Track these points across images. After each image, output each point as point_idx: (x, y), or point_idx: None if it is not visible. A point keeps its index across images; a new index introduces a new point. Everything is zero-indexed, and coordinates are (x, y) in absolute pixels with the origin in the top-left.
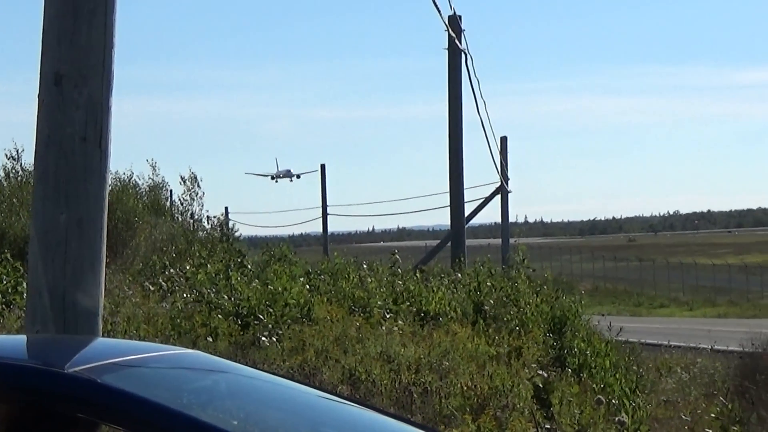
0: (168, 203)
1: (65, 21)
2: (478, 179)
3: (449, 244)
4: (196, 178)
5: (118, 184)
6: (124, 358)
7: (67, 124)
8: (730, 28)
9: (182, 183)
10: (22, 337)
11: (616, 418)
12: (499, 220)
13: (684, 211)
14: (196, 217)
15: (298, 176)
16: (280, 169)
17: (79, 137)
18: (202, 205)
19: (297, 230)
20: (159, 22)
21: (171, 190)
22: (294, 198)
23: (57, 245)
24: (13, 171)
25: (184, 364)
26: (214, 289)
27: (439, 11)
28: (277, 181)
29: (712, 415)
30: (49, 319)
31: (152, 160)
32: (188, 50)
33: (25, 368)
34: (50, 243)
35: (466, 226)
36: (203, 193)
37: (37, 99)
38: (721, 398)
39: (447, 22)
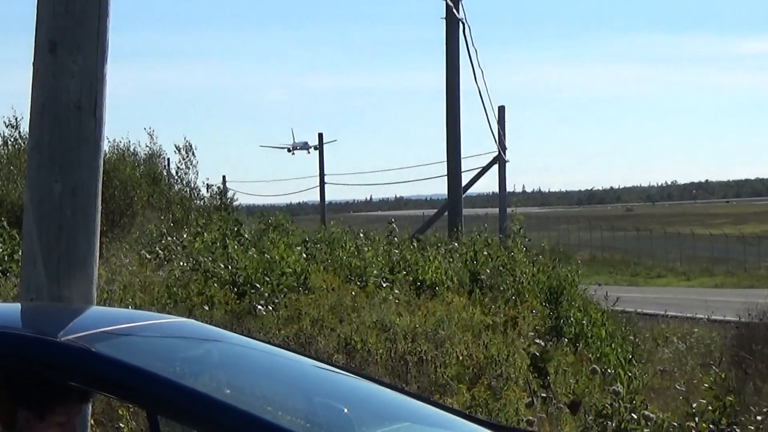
0: (165, 172)
1: None
2: (476, 149)
3: (446, 213)
4: (191, 146)
5: (116, 152)
6: (118, 327)
7: (61, 92)
8: None
9: (177, 151)
10: (17, 305)
11: (612, 388)
12: (496, 189)
13: (682, 181)
14: (193, 185)
15: (316, 148)
16: (296, 141)
17: (74, 105)
18: (197, 174)
19: (295, 199)
20: None
21: (168, 159)
22: (292, 167)
23: (51, 213)
24: (12, 139)
25: (177, 332)
26: (210, 258)
27: None
28: (294, 153)
29: (706, 385)
30: (43, 287)
31: (150, 128)
32: (182, 18)
33: (18, 336)
34: (45, 211)
35: (464, 196)
36: (197, 162)
37: (32, 67)
38: (714, 368)
39: None
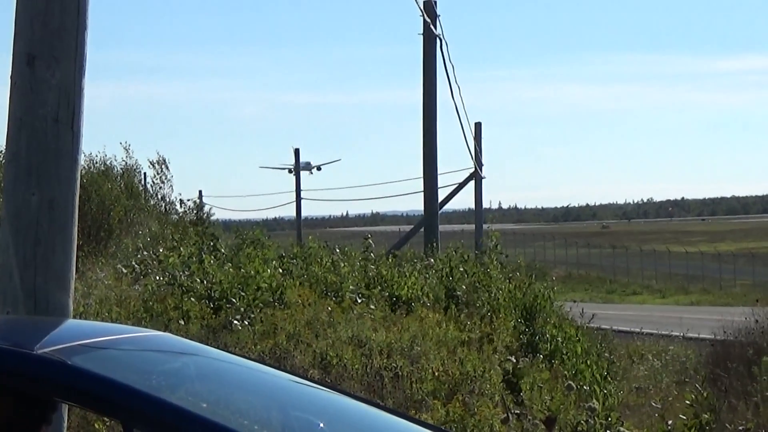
0: (141, 187)
1: (38, 2)
2: (453, 165)
3: (423, 229)
4: (165, 161)
5: (93, 166)
6: (94, 340)
7: (39, 105)
8: (705, 17)
9: (151, 166)
10: None
11: (587, 405)
12: (473, 205)
13: (658, 198)
14: (168, 200)
15: (319, 168)
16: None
17: (51, 119)
18: (172, 188)
19: (271, 214)
20: (133, 5)
21: (144, 173)
22: (268, 182)
23: (28, 227)
24: None
25: (153, 346)
26: (186, 272)
27: None
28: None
29: (687, 402)
30: (19, 300)
31: (126, 142)
32: (161, 35)
33: None
34: (21, 224)
35: (440, 212)
36: (172, 176)
37: (9, 80)
38: (696, 385)
39: (422, 7)
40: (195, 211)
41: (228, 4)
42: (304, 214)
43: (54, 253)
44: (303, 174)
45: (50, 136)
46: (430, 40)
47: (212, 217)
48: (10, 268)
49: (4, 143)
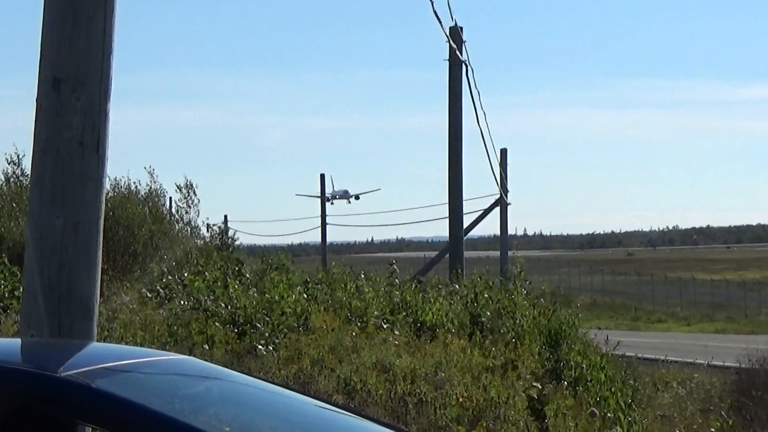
0: (166, 211)
1: (64, 26)
2: (478, 191)
3: (448, 255)
4: (191, 185)
5: (119, 190)
6: (118, 363)
7: (64, 128)
8: (732, 43)
9: (178, 190)
10: (17, 341)
11: None
12: (498, 232)
13: (683, 226)
14: (193, 224)
15: (357, 197)
16: (335, 189)
17: (77, 142)
18: (198, 213)
19: (296, 239)
20: (158, 29)
21: (170, 198)
22: (295, 207)
23: (53, 250)
24: (14, 176)
25: (177, 369)
26: (211, 297)
27: (441, 22)
28: (332, 203)
29: (712, 430)
30: (44, 323)
31: (150, 167)
32: (187, 58)
33: (18, 372)
34: (46, 247)
35: (465, 238)
36: (199, 201)
37: (35, 103)
38: (722, 413)
39: (448, 33)
40: (220, 236)
41: (254, 28)
42: (329, 239)
43: (78, 276)
44: (341, 202)
45: (75, 159)
46: (455, 66)
47: (236, 242)
48: (34, 292)
49: (30, 166)
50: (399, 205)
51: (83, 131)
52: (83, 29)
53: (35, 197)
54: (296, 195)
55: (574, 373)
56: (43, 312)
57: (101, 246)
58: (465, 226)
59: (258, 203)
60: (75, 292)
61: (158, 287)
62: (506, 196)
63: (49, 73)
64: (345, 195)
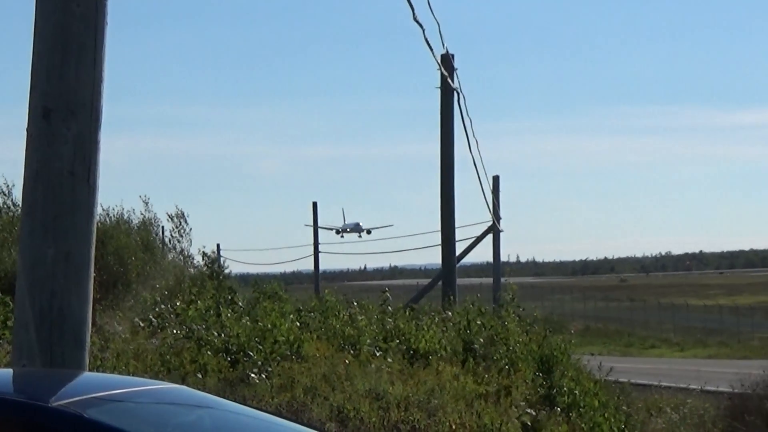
0: (159, 240)
1: (54, 56)
2: (471, 218)
3: (440, 282)
4: (183, 214)
5: (110, 220)
6: (110, 393)
7: (55, 158)
8: (723, 70)
9: (170, 220)
10: (9, 371)
11: None
12: (491, 259)
13: (676, 251)
14: (186, 253)
15: (369, 231)
16: (347, 222)
17: (67, 171)
18: (191, 242)
19: (289, 268)
20: (150, 59)
21: (162, 227)
22: (286, 235)
23: (44, 279)
24: (5, 206)
25: (169, 398)
26: (203, 326)
27: (432, 50)
28: (342, 236)
29: None
30: (36, 353)
31: (145, 196)
32: (178, 88)
33: (10, 402)
34: (37, 277)
35: (458, 265)
36: (191, 230)
37: (26, 133)
38: None
39: (439, 61)
40: (211, 265)
41: (246, 57)
42: (322, 267)
43: (70, 306)
44: (352, 236)
45: (66, 189)
46: (447, 94)
47: (226, 270)
48: (26, 321)
49: (20, 197)
50: (392, 232)
51: (74, 161)
52: (73, 59)
53: (26, 227)
54: (305, 225)
55: (568, 399)
56: (35, 342)
57: (92, 275)
58: (458, 253)
59: (251, 232)
60: (67, 321)
61: (151, 316)
62: (499, 223)
63: (39, 103)
64: (356, 228)
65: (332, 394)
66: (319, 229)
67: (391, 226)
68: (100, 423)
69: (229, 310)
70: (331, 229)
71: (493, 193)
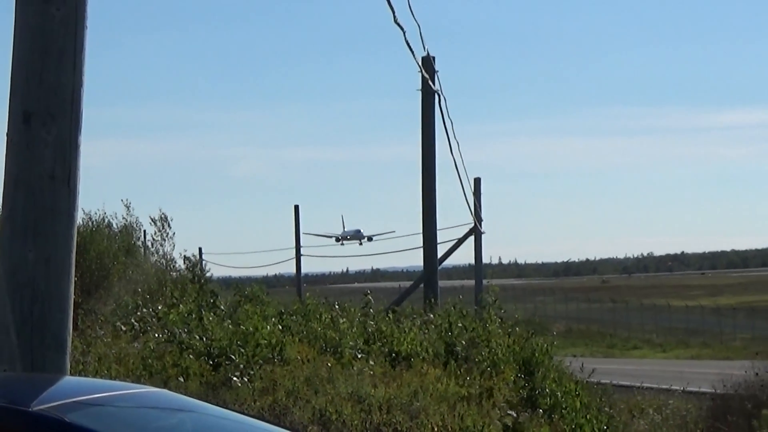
0: (141, 243)
1: (34, 60)
2: (453, 220)
3: (422, 285)
4: (166, 218)
5: (92, 224)
6: (91, 397)
7: (35, 162)
8: (703, 71)
9: (153, 223)
10: None
11: None
12: (472, 261)
13: (657, 252)
14: (168, 257)
15: (370, 239)
16: (346, 230)
17: (48, 176)
18: (174, 245)
19: (271, 271)
20: (130, 62)
21: (144, 231)
22: (268, 238)
23: (25, 284)
24: None
25: (150, 402)
26: (185, 329)
27: (413, 52)
28: (343, 244)
29: None
30: (16, 357)
31: (126, 200)
32: (159, 91)
33: None
34: (18, 281)
35: (440, 268)
36: (174, 233)
37: (6, 138)
38: None
39: (420, 63)
40: (192, 268)
41: (227, 60)
42: (304, 270)
43: (51, 310)
44: (353, 243)
45: (46, 193)
46: (428, 96)
47: (208, 274)
48: (7, 326)
49: (0, 201)
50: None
51: (54, 165)
52: (53, 63)
53: (7, 232)
54: (303, 233)
55: (550, 401)
56: (16, 346)
57: (74, 279)
58: (439, 255)
59: (233, 235)
60: (48, 326)
61: (132, 320)
62: (480, 225)
63: (19, 107)
64: (357, 235)
65: (314, 397)
66: (318, 237)
67: (393, 232)
68: (82, 427)
69: (211, 314)
70: (331, 237)
71: (474, 195)
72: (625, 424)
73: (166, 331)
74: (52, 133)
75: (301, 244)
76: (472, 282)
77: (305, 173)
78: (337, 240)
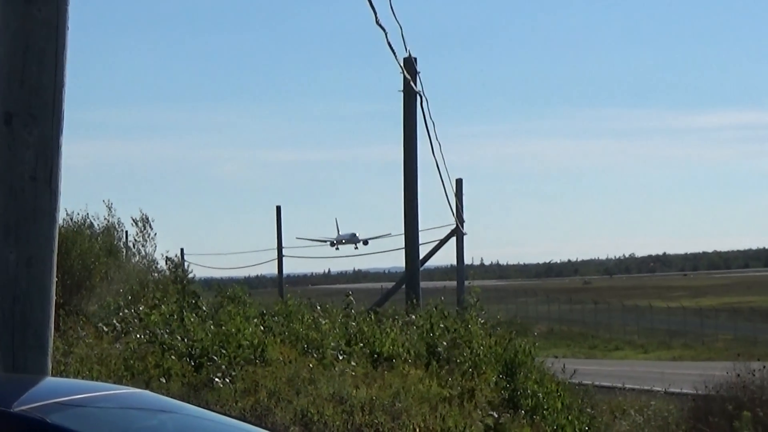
0: (122, 244)
1: (15, 60)
2: (435, 221)
3: (404, 286)
4: (147, 219)
5: (73, 224)
6: (72, 398)
7: (17, 163)
8: (683, 72)
9: (134, 224)
10: None
11: None
12: (454, 262)
13: (639, 254)
14: (150, 258)
15: (366, 242)
16: (341, 233)
17: (29, 177)
18: (156, 246)
19: (253, 272)
20: (111, 64)
21: (126, 232)
22: (250, 239)
23: (6, 284)
24: None
25: (132, 403)
26: (167, 330)
27: (395, 53)
28: (338, 248)
29: None
30: None
31: (108, 200)
32: (140, 92)
33: None
34: None
35: (422, 269)
36: (155, 234)
37: None
38: None
39: (402, 65)
40: (174, 269)
41: (208, 61)
42: (285, 271)
43: (32, 311)
44: (348, 247)
45: (28, 194)
46: (410, 97)
47: (189, 275)
48: None
49: None
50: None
51: (35, 166)
52: (35, 63)
53: None
54: (297, 238)
55: (531, 401)
56: None
57: (55, 280)
58: (421, 256)
59: (214, 236)
60: (29, 326)
61: (114, 321)
62: (462, 226)
63: (1, 108)
64: (352, 239)
65: (296, 398)
66: (313, 242)
67: (388, 235)
68: (63, 428)
69: (193, 315)
70: (326, 242)
71: (456, 196)
72: (607, 425)
73: (147, 331)
74: (33, 134)
75: (284, 245)
76: (454, 283)
77: (288, 175)
78: (332, 245)
